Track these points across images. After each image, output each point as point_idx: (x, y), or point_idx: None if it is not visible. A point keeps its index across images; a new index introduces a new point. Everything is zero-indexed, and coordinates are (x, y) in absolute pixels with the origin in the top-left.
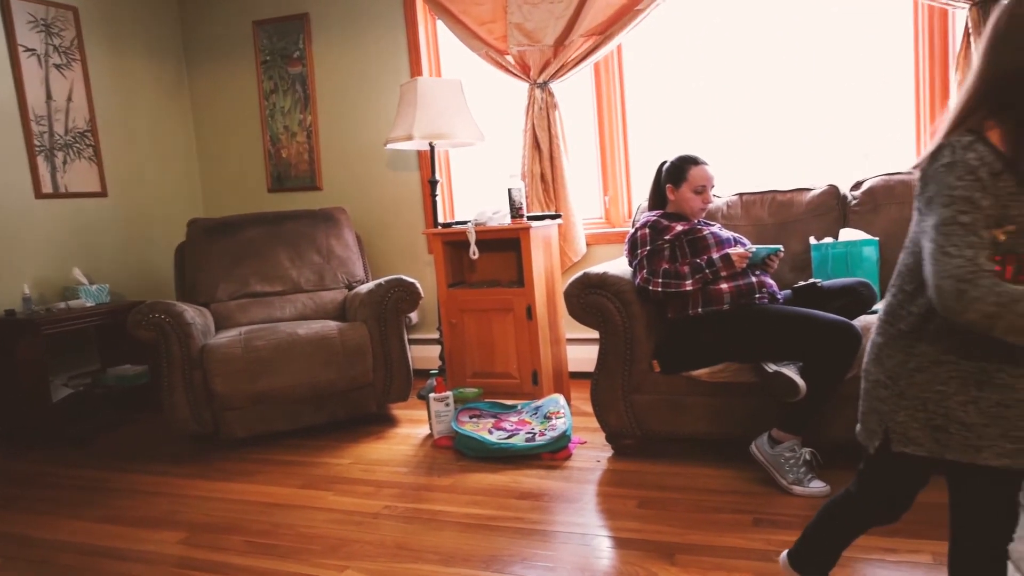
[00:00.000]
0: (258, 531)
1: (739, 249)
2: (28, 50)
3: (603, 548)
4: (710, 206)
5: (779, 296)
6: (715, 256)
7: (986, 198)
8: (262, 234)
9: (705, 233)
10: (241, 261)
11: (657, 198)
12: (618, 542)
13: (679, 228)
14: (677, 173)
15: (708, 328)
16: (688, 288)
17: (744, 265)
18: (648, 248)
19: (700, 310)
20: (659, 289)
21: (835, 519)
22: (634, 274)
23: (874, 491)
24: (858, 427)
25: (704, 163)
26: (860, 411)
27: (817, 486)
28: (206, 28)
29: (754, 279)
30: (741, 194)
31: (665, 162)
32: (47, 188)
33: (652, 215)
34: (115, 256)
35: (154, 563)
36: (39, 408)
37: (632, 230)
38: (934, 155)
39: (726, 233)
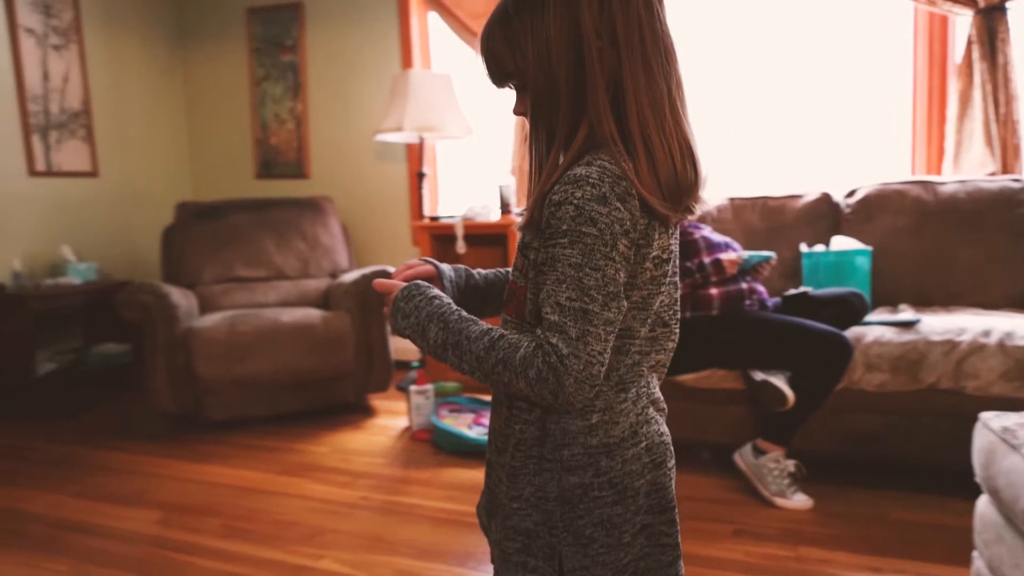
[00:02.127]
0: (234, 515)
1: (730, 255)
2: (28, 31)
3: None
4: None
5: (769, 304)
6: (706, 261)
7: None
8: (249, 220)
9: (696, 237)
10: (227, 246)
11: None
12: None
13: None
14: None
15: (695, 333)
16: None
17: (735, 271)
18: None
19: (688, 315)
20: None
21: None
22: None
23: None
24: None
25: None
26: None
27: (800, 499)
28: (201, 13)
29: (744, 285)
30: (732, 198)
31: None
32: (40, 166)
33: None
34: (103, 235)
35: (130, 541)
36: (24, 382)
37: None
38: None
39: (718, 237)
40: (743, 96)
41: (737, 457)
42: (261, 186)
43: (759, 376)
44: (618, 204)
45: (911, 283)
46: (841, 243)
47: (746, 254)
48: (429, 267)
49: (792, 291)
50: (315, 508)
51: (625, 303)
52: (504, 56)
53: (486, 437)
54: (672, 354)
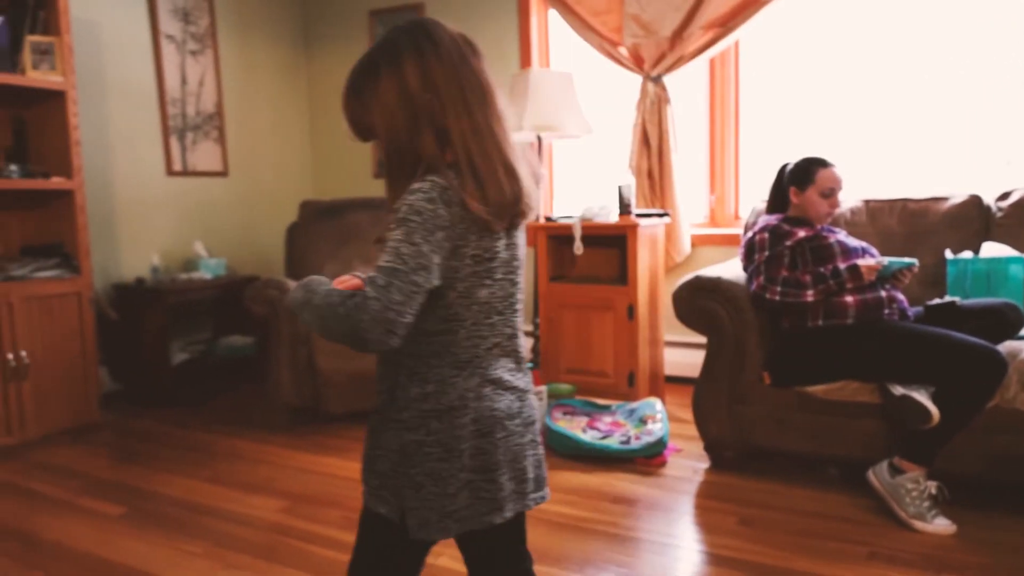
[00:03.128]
0: (353, 507)
1: (869, 261)
2: (168, 37)
3: (701, 564)
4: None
5: (910, 313)
6: (841, 266)
7: None
8: (367, 218)
9: (831, 241)
10: (346, 243)
11: (777, 201)
12: (716, 559)
13: (802, 234)
14: (803, 175)
15: (829, 342)
16: (809, 299)
17: (873, 278)
18: (767, 253)
19: (820, 322)
20: (777, 298)
21: None
22: (749, 280)
23: None
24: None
25: (832, 165)
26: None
27: (942, 523)
28: (324, 16)
29: (883, 293)
30: (867, 200)
31: (787, 164)
32: (177, 167)
33: (772, 219)
34: (232, 232)
35: (257, 527)
36: (159, 371)
37: (749, 234)
38: None
39: (854, 242)
40: (883, 91)
41: (871, 475)
42: (378, 185)
43: (899, 390)
44: (441, 204)
45: None
46: (993, 250)
47: (886, 260)
48: (358, 281)
49: (937, 300)
50: None
51: (436, 277)
52: (359, 114)
53: (601, 441)
54: (516, 340)
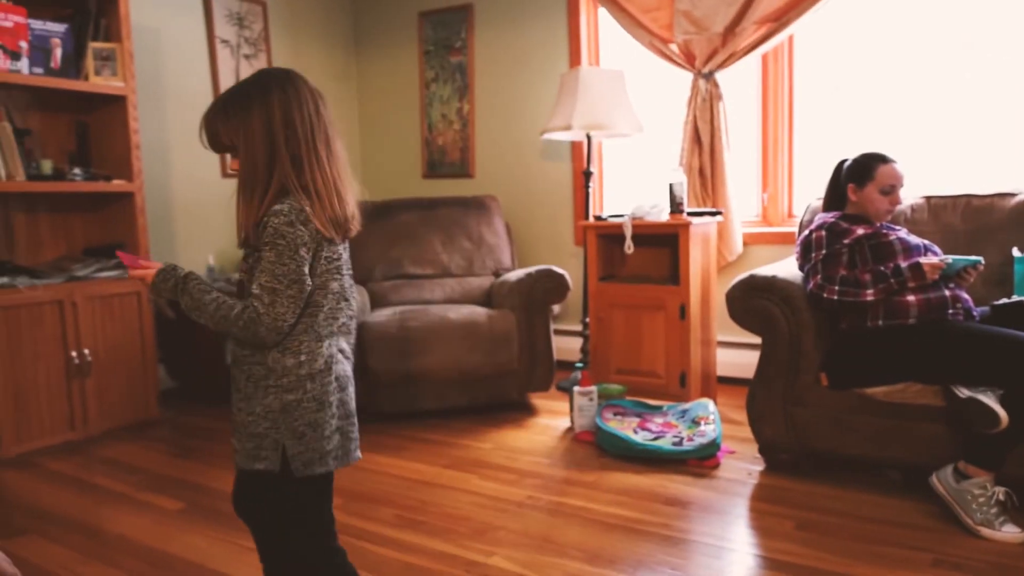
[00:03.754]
0: (407, 506)
1: (932, 259)
2: (223, 42)
3: (756, 568)
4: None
5: (975, 313)
6: (903, 264)
7: None
8: (417, 219)
9: (892, 238)
10: (396, 243)
11: (834, 198)
12: (772, 564)
13: (860, 232)
14: (862, 171)
15: (890, 343)
16: (869, 298)
17: (936, 277)
18: (824, 252)
19: (881, 323)
20: (835, 297)
21: None
22: (806, 279)
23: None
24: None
25: (893, 161)
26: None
27: (1010, 531)
28: (375, 19)
29: (947, 292)
30: (929, 197)
31: (845, 160)
32: (231, 169)
33: (830, 216)
34: None
35: None
36: (214, 369)
37: (806, 231)
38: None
39: (915, 239)
40: (945, 83)
41: (935, 480)
42: (428, 185)
43: (964, 393)
44: (300, 226)
45: None
46: None
47: (950, 258)
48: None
49: (1004, 300)
50: (484, 504)
51: (308, 286)
52: (222, 135)
53: (653, 442)
54: (353, 321)
